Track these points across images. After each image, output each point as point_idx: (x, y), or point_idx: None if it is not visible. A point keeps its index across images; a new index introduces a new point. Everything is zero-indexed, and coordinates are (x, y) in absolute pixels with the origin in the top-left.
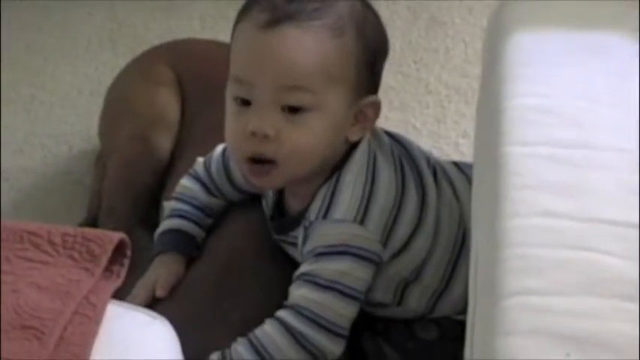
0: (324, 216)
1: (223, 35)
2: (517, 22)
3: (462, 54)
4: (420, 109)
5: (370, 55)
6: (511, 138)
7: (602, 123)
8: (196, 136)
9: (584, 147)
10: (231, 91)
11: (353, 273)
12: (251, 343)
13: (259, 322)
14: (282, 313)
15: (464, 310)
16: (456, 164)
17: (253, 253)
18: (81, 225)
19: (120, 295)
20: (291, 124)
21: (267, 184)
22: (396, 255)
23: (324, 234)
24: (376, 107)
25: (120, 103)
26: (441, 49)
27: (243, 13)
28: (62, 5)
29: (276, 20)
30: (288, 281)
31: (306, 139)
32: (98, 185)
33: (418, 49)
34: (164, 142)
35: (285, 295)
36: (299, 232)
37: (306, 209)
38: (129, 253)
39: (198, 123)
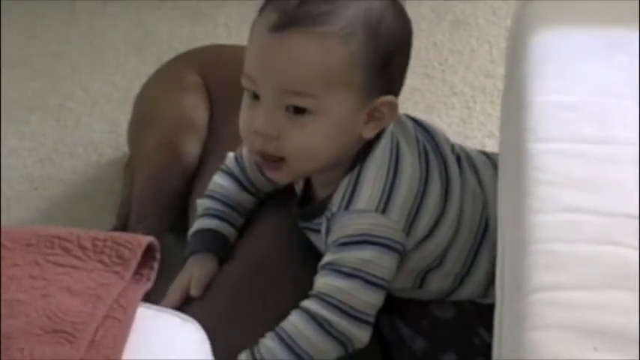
0: (346, 207)
1: None
2: (539, 20)
3: (487, 55)
4: (445, 110)
5: (383, 56)
6: (535, 135)
7: (624, 118)
8: (223, 141)
9: (608, 142)
10: (243, 83)
11: (377, 261)
12: (278, 335)
13: None
14: (306, 303)
15: (484, 294)
16: (484, 153)
17: (284, 252)
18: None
19: (150, 298)
20: (294, 125)
21: (280, 179)
22: (419, 244)
23: (347, 224)
24: (392, 107)
25: (148, 110)
26: (466, 51)
27: (260, 10)
28: (89, 14)
29: (283, 24)
30: None
31: (308, 141)
32: (127, 192)
33: (443, 50)
34: (192, 148)
35: None
36: (322, 221)
37: (330, 197)
38: (158, 256)
39: (225, 127)
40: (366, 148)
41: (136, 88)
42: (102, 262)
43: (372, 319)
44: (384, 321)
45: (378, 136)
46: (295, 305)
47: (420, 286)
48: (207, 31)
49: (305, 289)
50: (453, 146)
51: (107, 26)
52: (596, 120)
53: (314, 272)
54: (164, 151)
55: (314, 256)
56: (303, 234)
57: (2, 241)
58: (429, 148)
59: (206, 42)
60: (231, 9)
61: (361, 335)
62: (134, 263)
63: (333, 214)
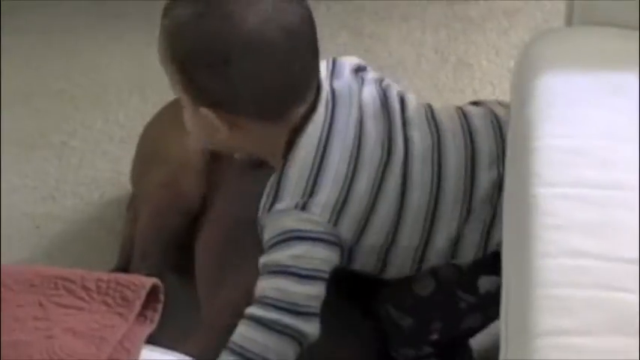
0: (269, 209)
1: None
2: (544, 63)
3: (490, 96)
4: None
5: (177, 64)
6: (541, 179)
7: (629, 162)
8: (226, 180)
9: (612, 187)
10: None
11: (307, 255)
12: (233, 351)
13: None
14: (249, 310)
15: (453, 257)
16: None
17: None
18: (113, 271)
19: (153, 339)
20: None
21: None
22: (362, 228)
23: (272, 226)
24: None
25: (151, 149)
26: (468, 91)
27: None
28: (91, 53)
29: None
30: None
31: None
32: (130, 231)
33: (445, 91)
34: (195, 187)
35: None
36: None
37: None
38: (162, 297)
39: (229, 166)
40: (291, 143)
41: (138, 127)
42: (105, 303)
43: (315, 311)
44: (378, 307)
45: (302, 130)
46: None
47: (384, 268)
48: None
49: None
50: (403, 108)
51: (109, 64)
52: (600, 164)
53: None
54: (166, 189)
55: None
56: None
57: (5, 281)
58: (371, 120)
59: None
60: None
61: (308, 327)
62: (138, 305)
63: (259, 217)
